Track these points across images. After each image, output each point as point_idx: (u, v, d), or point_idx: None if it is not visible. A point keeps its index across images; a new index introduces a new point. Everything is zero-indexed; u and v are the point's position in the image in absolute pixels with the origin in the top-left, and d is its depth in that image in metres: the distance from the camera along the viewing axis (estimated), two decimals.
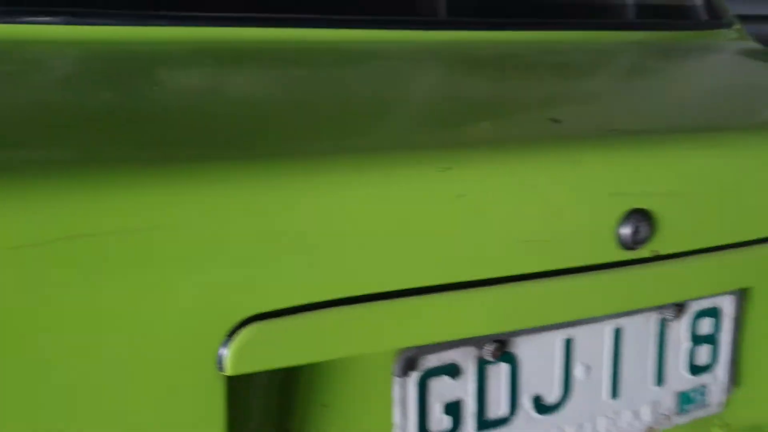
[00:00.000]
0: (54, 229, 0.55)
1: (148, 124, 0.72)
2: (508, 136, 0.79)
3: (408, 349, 0.74)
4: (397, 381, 0.75)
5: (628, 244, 0.76)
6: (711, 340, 0.92)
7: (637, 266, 0.79)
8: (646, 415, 0.90)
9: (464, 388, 0.79)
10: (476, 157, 0.72)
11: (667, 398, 0.91)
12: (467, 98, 0.95)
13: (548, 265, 0.75)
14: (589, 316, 0.82)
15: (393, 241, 0.67)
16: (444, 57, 1.14)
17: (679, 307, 0.88)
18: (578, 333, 0.83)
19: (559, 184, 0.74)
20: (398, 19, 1.17)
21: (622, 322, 0.85)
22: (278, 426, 0.73)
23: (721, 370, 0.94)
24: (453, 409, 0.78)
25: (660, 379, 0.90)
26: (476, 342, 0.78)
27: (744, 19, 1.55)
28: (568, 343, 0.83)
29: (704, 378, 0.93)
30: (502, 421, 0.81)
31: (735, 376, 0.95)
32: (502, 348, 0.79)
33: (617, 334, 0.85)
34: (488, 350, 0.79)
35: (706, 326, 0.91)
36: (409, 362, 0.75)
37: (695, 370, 0.92)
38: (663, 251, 0.79)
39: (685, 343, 0.90)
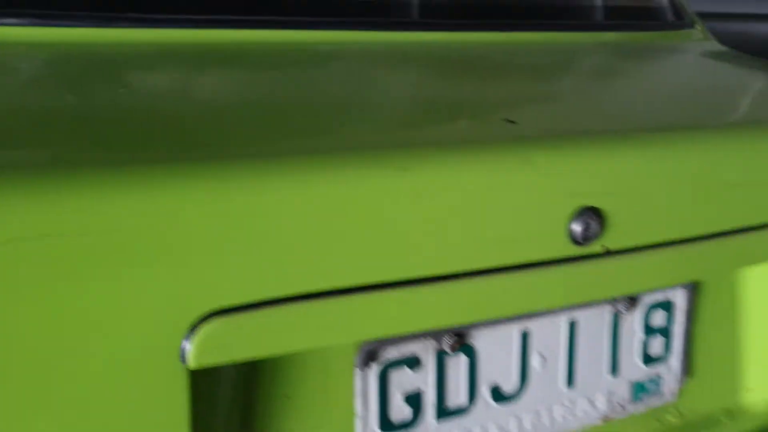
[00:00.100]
0: (15, 229, 0.57)
1: (109, 126, 0.73)
2: (464, 137, 0.81)
3: (369, 341, 0.77)
4: (358, 373, 0.78)
5: (579, 240, 0.80)
6: (664, 331, 0.96)
7: (589, 261, 0.82)
8: (602, 403, 0.94)
9: (424, 379, 0.82)
10: (433, 157, 0.74)
11: (621, 387, 0.95)
12: (429, 100, 0.98)
13: (504, 260, 0.78)
14: (544, 308, 0.85)
15: (353, 238, 0.70)
16: (412, 58, 1.17)
17: (632, 300, 0.92)
18: (534, 325, 0.86)
19: (513, 183, 0.77)
20: (367, 20, 1.18)
21: (577, 314, 0.88)
22: (242, 418, 0.75)
23: (675, 361, 0.98)
24: (413, 399, 0.81)
25: (614, 369, 0.93)
26: (435, 334, 0.81)
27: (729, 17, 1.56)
28: (525, 335, 0.86)
29: (658, 368, 0.97)
30: (461, 411, 0.84)
31: (688, 367, 0.99)
32: (460, 340, 0.82)
33: (572, 326, 0.89)
34: (447, 342, 0.82)
35: (659, 318, 0.95)
36: (370, 354, 0.78)
37: (649, 360, 0.96)
38: (613, 246, 0.82)
39: (639, 335, 0.94)
